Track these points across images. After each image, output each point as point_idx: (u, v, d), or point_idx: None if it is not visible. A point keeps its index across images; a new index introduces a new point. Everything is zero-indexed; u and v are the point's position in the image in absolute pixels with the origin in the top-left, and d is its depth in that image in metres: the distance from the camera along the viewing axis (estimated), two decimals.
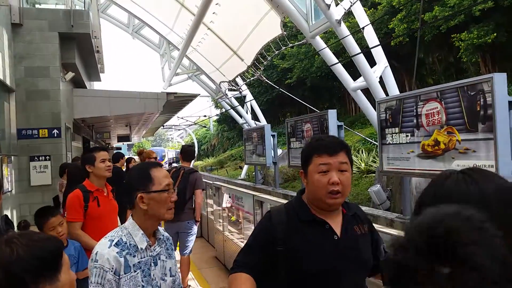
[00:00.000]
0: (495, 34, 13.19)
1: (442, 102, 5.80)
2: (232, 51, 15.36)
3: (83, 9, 10.83)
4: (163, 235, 1.96)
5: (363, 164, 14.06)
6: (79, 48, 11.35)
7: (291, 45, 13.55)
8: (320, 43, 9.61)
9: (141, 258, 1.80)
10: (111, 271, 1.70)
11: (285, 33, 11.74)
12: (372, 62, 8.74)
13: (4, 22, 9.09)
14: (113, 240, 1.77)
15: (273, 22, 11.60)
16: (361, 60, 8.35)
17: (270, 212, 1.81)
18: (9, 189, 8.67)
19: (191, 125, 45.50)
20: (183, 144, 48.71)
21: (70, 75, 10.81)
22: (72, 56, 10.76)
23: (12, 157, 9.16)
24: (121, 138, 22.33)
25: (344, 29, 8.41)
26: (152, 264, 1.84)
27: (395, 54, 16.20)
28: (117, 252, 1.73)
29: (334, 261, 1.63)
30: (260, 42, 13.07)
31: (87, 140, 19.55)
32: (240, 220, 6.25)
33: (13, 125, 9.60)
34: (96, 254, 1.72)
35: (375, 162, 13.82)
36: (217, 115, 37.07)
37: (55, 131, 9.95)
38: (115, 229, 1.86)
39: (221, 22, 14.07)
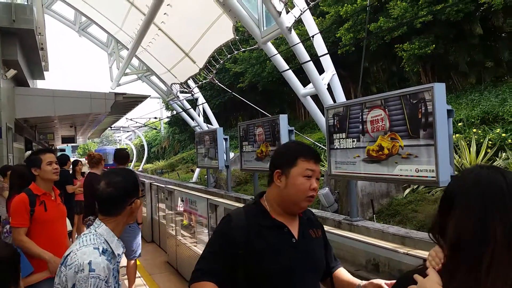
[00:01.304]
0: (434, 45, 14.07)
1: (386, 109, 6.13)
2: (184, 53, 15.22)
3: (26, 3, 10.28)
4: (122, 242, 1.95)
5: None
6: (21, 44, 10.78)
7: (243, 49, 13.66)
8: (271, 49, 9.79)
9: (114, 264, 1.79)
10: (104, 280, 1.67)
11: (237, 37, 11.83)
12: (320, 70, 9.02)
13: None
14: (98, 248, 1.72)
15: (226, 26, 11.65)
16: (311, 67, 8.60)
17: (229, 216, 1.82)
18: None
19: (141, 127, 44.40)
20: (131, 146, 47.47)
21: (11, 72, 10.25)
22: (13, 52, 10.20)
23: None
24: (65, 140, 21.36)
25: (294, 37, 8.63)
26: (117, 270, 1.86)
27: (342, 63, 16.78)
28: (106, 260, 1.71)
29: (292, 263, 1.69)
30: (213, 45, 13.06)
31: (30, 141, 18.56)
32: (192, 224, 6.23)
33: None
34: (90, 263, 1.65)
35: (323, 166, 14.23)
36: (167, 117, 36.47)
37: None
38: (88, 237, 1.78)
39: (173, 23, 13.90)
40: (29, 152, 7.96)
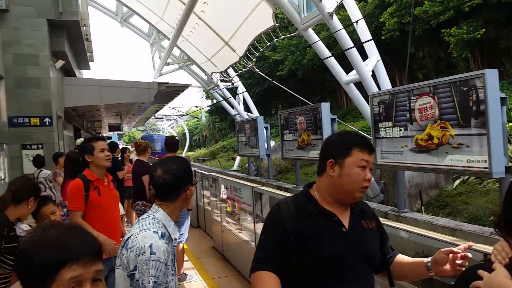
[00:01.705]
0: (483, 30, 13.35)
1: (435, 97, 5.89)
2: (223, 42, 15.27)
3: None
4: (177, 227, 2.05)
5: None
6: (68, 36, 11.20)
7: (283, 37, 13.51)
8: (312, 35, 9.62)
9: (171, 248, 1.87)
10: (164, 263, 1.75)
11: (277, 24, 11.71)
12: (363, 56, 8.80)
13: None
14: (157, 232, 1.80)
15: (265, 13, 11.55)
16: (354, 53, 8.39)
17: (279, 204, 1.82)
18: (2, 177, 8.60)
19: (183, 115, 45.25)
20: (174, 134, 48.51)
21: (60, 63, 10.69)
22: (61, 44, 10.63)
23: (4, 145, 9.07)
24: (112, 128, 22.18)
25: (336, 22, 8.43)
26: (174, 254, 1.94)
27: (385, 48, 16.30)
28: (166, 243, 1.80)
29: (342, 251, 1.68)
30: (252, 33, 13.00)
31: (78, 129, 19.38)
32: (236, 211, 6.31)
33: (3, 113, 9.49)
34: (151, 246, 1.73)
35: None
36: (208, 106, 36.93)
37: (47, 119, 9.88)
38: (147, 221, 1.87)
39: (213, 12, 13.94)
40: (81, 139, 8.31)
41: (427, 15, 14.04)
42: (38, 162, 6.75)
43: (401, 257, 1.89)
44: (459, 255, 1.61)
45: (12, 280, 2.90)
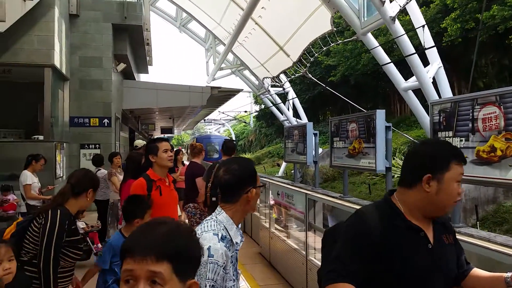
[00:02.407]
0: None
1: (501, 106, 5.53)
2: (278, 47, 15.29)
3: (136, 1, 11.20)
4: (241, 231, 1.98)
5: None
6: (130, 39, 11.68)
7: (340, 42, 13.31)
8: (372, 40, 9.40)
9: (232, 252, 1.82)
10: (222, 266, 1.70)
11: (334, 29, 11.55)
12: (423, 62, 8.47)
13: (64, 12, 9.48)
14: (217, 234, 1.76)
15: (323, 17, 11.42)
16: (415, 59, 8.09)
17: (362, 213, 1.71)
18: (61, 175, 9.06)
19: (232, 120, 45.82)
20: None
21: (121, 66, 11.14)
22: (124, 47, 11.09)
23: (64, 144, 9.55)
24: (164, 130, 22.89)
25: (398, 27, 8.17)
26: (236, 259, 1.88)
27: (445, 55, 15.63)
28: (225, 246, 1.74)
29: (427, 268, 1.59)
30: (308, 38, 12.89)
31: (133, 130, 20.15)
32: (282, 218, 6.24)
33: (66, 113, 10.02)
34: (209, 249, 1.69)
35: None
36: (256, 111, 37.14)
37: (106, 120, 10.31)
38: (209, 223, 1.84)
39: (270, 17, 14.01)
40: (140, 140, 8.57)
41: (494, 20, 13.28)
42: (98, 161, 7.03)
43: (477, 271, 1.77)
44: None
45: (88, 275, 2.98)
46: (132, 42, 12.05)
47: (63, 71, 9.35)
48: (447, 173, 1.59)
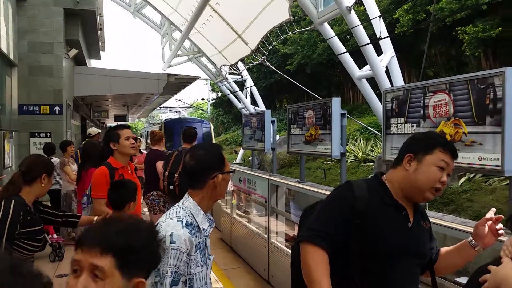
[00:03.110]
0: (500, 28, 13.21)
1: (451, 94, 5.86)
2: (236, 34, 15.23)
3: None
4: (211, 217, 1.96)
5: (360, 153, 14.16)
6: (83, 25, 11.24)
7: (298, 30, 13.46)
8: (328, 30, 9.59)
9: (200, 238, 1.81)
10: (186, 252, 1.69)
11: (292, 18, 11.67)
12: (377, 51, 8.77)
13: None
14: (182, 221, 1.75)
15: (281, 6, 11.50)
16: (369, 49, 8.36)
17: (351, 183, 1.79)
18: (10, 165, 8.66)
19: (188, 108, 45.29)
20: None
21: (73, 52, 10.73)
22: (76, 32, 10.66)
23: (13, 132, 9.12)
24: (117, 118, 22.20)
25: (354, 17, 8.39)
26: (205, 244, 1.87)
27: (396, 45, 16.22)
28: (189, 233, 1.72)
29: (405, 245, 1.69)
30: (267, 26, 12.94)
31: (84, 118, 19.48)
32: (242, 204, 6.33)
33: (14, 100, 9.54)
34: (171, 235, 1.68)
35: (372, 151, 13.94)
36: (213, 99, 36.93)
37: (57, 108, 9.92)
38: (175, 210, 1.82)
39: (228, 5, 13.91)
40: (93, 128, 8.32)
41: (443, 12, 13.92)
42: (49, 150, 6.75)
43: (443, 249, 1.91)
44: (494, 219, 1.68)
45: None
46: (84, 27, 11.59)
47: (11, 56, 8.87)
48: (428, 156, 1.69)
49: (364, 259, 1.65)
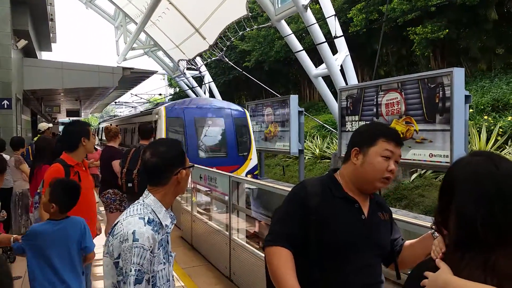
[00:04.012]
0: (447, 30, 13.90)
1: (402, 93, 6.11)
2: (194, 29, 15.07)
3: None
4: (172, 213, 1.94)
5: (317, 150, 14.44)
6: (32, 14, 10.68)
7: (255, 27, 13.52)
8: (285, 28, 9.70)
9: (162, 235, 1.79)
10: (149, 250, 1.66)
11: (250, 14, 11.70)
12: (332, 50, 8.96)
13: None
14: (144, 218, 1.72)
15: (238, 2, 11.50)
16: (325, 48, 8.54)
17: (304, 182, 1.85)
18: None
19: (145, 103, 44.29)
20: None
21: (22, 43, 10.18)
22: (24, 22, 10.11)
23: None
24: (70, 113, 21.27)
25: (310, 15, 8.54)
26: (167, 241, 1.85)
27: (350, 44, 16.68)
28: (151, 230, 1.69)
29: (359, 237, 1.74)
30: (224, 22, 12.91)
31: (35, 113, 18.61)
32: (203, 201, 6.29)
33: None
34: (134, 233, 1.64)
35: (329, 148, 14.26)
36: (171, 94, 36.33)
37: (5, 102, 9.39)
38: (135, 207, 1.78)
39: None
40: (44, 124, 7.96)
41: (394, 12, 14.44)
42: None
43: (407, 242, 1.94)
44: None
45: None
46: (34, 17, 11.02)
47: None
48: (372, 148, 1.75)
49: (320, 254, 1.70)
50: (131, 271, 1.60)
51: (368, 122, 1.98)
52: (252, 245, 4.59)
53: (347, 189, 1.81)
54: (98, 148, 9.03)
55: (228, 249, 4.72)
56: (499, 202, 1.01)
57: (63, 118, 27.41)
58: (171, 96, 37.33)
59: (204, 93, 18.80)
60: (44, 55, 18.69)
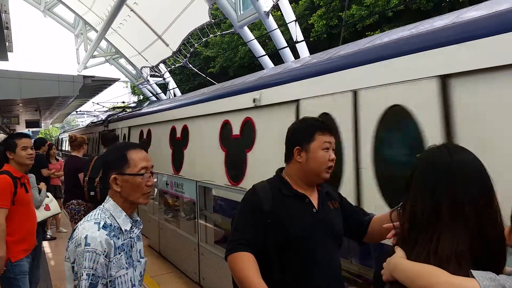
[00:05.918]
0: None
1: None
2: (156, 35, 14.94)
3: None
4: (138, 218, 1.94)
5: None
6: None
7: (219, 33, 13.55)
8: (248, 34, 9.81)
9: (124, 240, 1.78)
10: (103, 254, 1.65)
11: (213, 20, 11.74)
12: (294, 55, 9.13)
13: None
14: (99, 223, 1.71)
15: (201, 8, 11.51)
16: (287, 53, 8.70)
17: (255, 188, 1.91)
18: None
19: (108, 111, 43.29)
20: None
21: None
22: None
23: None
24: (29, 124, 20.51)
25: (271, 22, 8.68)
26: (131, 246, 1.83)
27: (312, 49, 16.99)
28: (106, 235, 1.69)
29: (314, 230, 1.82)
30: (187, 28, 12.87)
31: None
32: (169, 208, 6.24)
33: None
34: (86, 237, 1.64)
35: None
36: (134, 102, 35.66)
37: None
38: (95, 212, 1.79)
39: (146, 5, 13.60)
40: (2, 135, 7.69)
41: (353, 18, 14.86)
42: None
43: (376, 216, 2.00)
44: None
45: None
46: None
47: None
48: (313, 143, 1.85)
49: (279, 255, 1.78)
50: (83, 275, 1.62)
51: (301, 119, 2.07)
52: (221, 250, 4.62)
53: (296, 186, 1.90)
54: (60, 158, 8.78)
55: (197, 255, 4.72)
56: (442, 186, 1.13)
57: (22, 129, 26.39)
58: (134, 104, 36.69)
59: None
60: (1, 65, 18.01)
